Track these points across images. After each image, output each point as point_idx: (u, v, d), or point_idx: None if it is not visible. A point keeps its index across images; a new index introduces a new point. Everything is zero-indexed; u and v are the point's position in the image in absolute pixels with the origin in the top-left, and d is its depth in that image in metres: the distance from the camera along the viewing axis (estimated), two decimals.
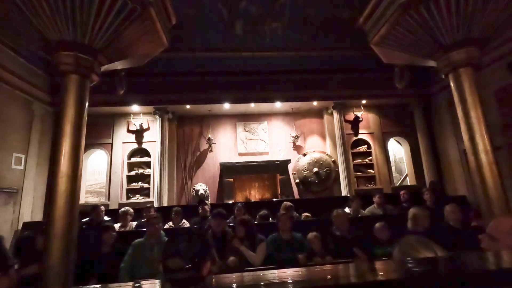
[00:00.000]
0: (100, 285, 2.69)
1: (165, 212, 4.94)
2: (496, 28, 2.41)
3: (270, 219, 4.61)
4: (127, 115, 7.61)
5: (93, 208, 4.71)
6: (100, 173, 7.85)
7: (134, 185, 7.36)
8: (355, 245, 3.36)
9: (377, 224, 3.65)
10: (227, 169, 7.66)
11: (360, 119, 7.96)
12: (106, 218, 4.72)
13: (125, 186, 7.29)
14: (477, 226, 3.21)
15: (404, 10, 2.19)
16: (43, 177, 6.41)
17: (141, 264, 3.03)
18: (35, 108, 6.27)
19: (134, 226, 4.75)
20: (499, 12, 2.25)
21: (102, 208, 4.79)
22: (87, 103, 2.12)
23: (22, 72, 5.78)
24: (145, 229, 3.49)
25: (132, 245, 3.18)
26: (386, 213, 4.96)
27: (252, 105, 7.65)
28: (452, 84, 2.53)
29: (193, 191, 7.37)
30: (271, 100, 7.47)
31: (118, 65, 2.44)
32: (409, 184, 8.06)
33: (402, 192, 5.44)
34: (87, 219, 4.67)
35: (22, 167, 5.84)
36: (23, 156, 5.88)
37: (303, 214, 4.89)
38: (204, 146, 8.01)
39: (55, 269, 1.91)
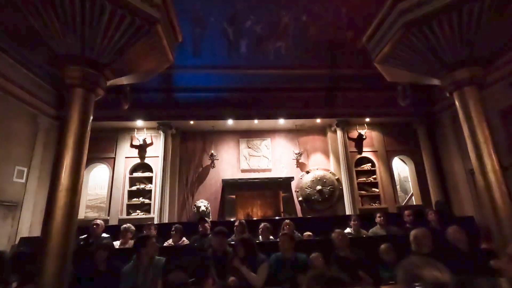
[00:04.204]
0: None
1: (165, 230, 4.85)
2: (500, 47, 2.42)
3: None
4: (131, 130, 7.65)
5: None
6: (101, 188, 7.79)
7: (135, 201, 7.29)
8: (359, 267, 3.24)
9: (383, 246, 3.53)
10: (229, 186, 7.58)
11: (364, 137, 7.94)
12: (104, 235, 4.60)
13: (126, 202, 7.22)
14: (487, 249, 3.09)
15: (407, 29, 2.21)
16: (44, 192, 6.36)
17: None
18: (40, 122, 6.33)
19: (133, 244, 4.63)
20: (502, 32, 2.26)
21: (98, 222, 4.56)
22: (91, 117, 2.12)
23: (29, 86, 5.88)
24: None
25: (122, 273, 3.03)
26: (389, 233, 4.82)
27: (256, 121, 7.67)
28: (457, 102, 2.51)
29: (194, 208, 7.28)
30: (274, 117, 7.50)
31: (124, 80, 2.46)
32: (414, 203, 7.90)
33: (406, 213, 5.30)
34: (84, 236, 4.56)
35: (23, 181, 5.81)
36: (25, 169, 5.87)
37: (305, 233, 4.77)
38: (206, 162, 7.98)
39: (49, 287, 1.84)
